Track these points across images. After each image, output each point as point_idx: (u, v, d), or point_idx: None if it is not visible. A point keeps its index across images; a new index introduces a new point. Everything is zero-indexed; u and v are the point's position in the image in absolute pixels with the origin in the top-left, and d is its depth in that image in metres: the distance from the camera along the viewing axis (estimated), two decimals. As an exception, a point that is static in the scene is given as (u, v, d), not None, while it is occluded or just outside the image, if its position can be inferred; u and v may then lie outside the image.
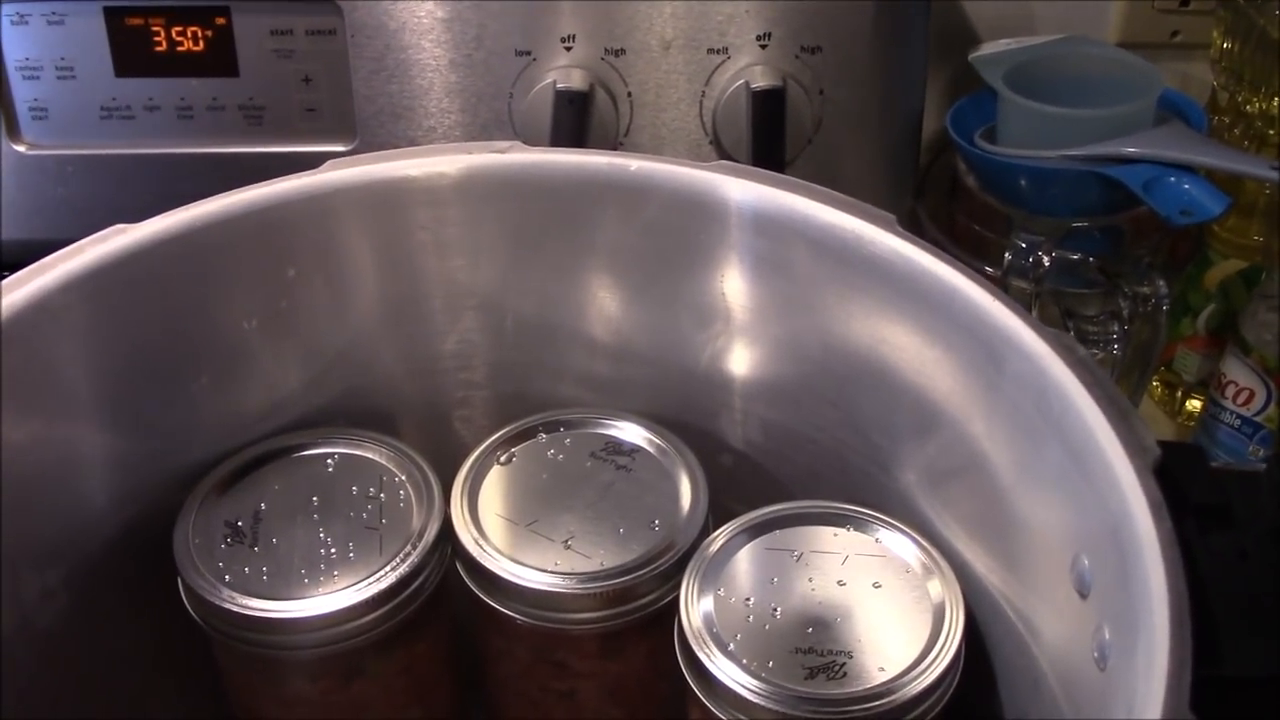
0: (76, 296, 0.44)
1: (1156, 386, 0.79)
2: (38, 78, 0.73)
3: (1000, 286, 0.69)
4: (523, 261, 0.52)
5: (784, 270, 0.49)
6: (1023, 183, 0.70)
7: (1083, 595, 0.39)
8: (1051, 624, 0.42)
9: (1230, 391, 0.71)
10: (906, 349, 0.47)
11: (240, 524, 0.50)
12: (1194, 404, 0.78)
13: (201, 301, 0.48)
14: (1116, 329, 0.70)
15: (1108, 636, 0.37)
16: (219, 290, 0.48)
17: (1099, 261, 0.70)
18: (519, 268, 0.53)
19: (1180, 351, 0.77)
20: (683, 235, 0.50)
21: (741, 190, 0.47)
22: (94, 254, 0.45)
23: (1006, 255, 0.71)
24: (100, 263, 0.45)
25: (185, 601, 0.49)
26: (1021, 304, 0.68)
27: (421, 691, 0.53)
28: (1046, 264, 0.71)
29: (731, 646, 0.45)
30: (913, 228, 0.76)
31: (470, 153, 0.49)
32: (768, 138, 0.70)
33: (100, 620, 0.50)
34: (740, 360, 0.52)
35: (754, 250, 0.49)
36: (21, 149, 0.74)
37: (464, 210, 0.50)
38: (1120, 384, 0.71)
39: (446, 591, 0.51)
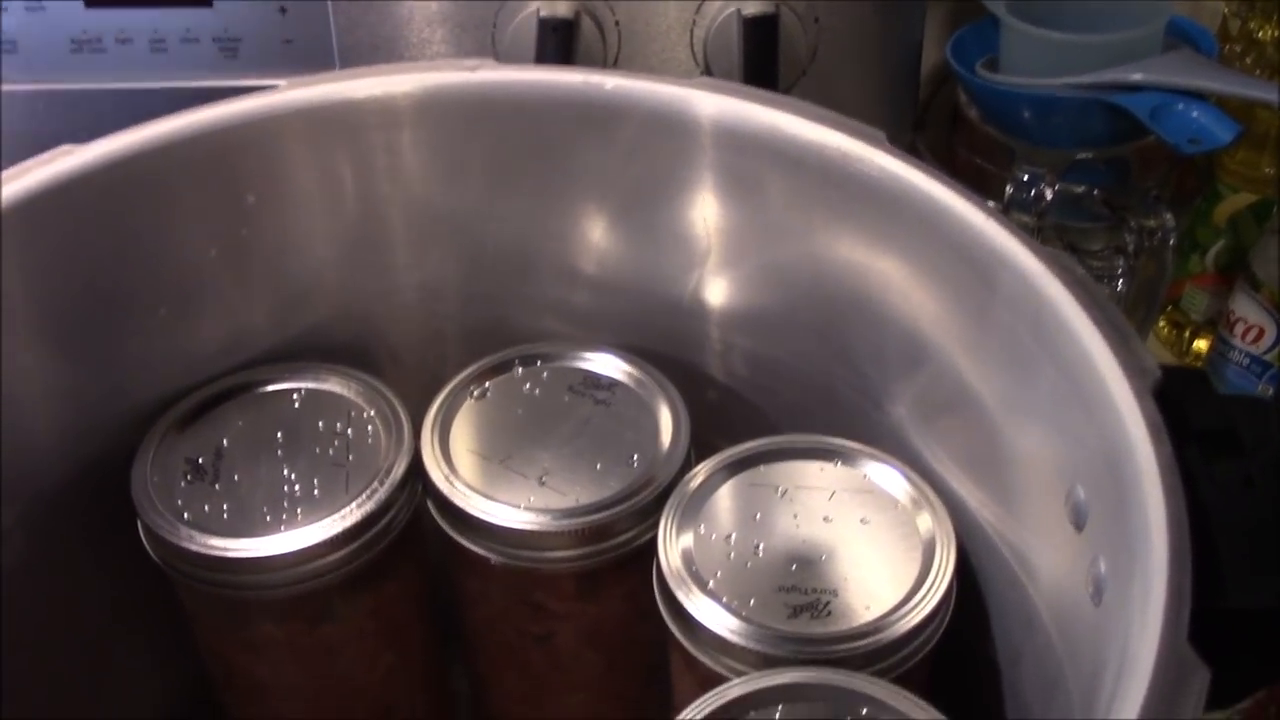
0: (19, 220, 0.42)
1: (1163, 326, 0.77)
2: (5, 10, 0.71)
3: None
4: (496, 188, 0.50)
5: (766, 193, 0.46)
6: (1025, 113, 0.68)
7: (1078, 527, 0.37)
8: (1046, 559, 0.40)
9: (1239, 329, 0.69)
10: (895, 274, 0.44)
11: (201, 461, 0.48)
12: (1201, 344, 0.75)
13: (156, 228, 0.46)
14: (1121, 264, 0.68)
15: (1103, 570, 0.34)
16: (174, 216, 0.46)
17: (1103, 194, 0.68)
18: (492, 194, 0.50)
19: (1188, 289, 0.75)
20: (662, 157, 0.47)
21: (720, 106, 0.45)
22: (38, 176, 0.43)
23: (1008, 188, 0.69)
24: (45, 185, 0.43)
25: (145, 542, 0.47)
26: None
27: (393, 636, 0.51)
28: (1049, 197, 0.68)
29: (711, 585, 0.43)
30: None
31: (438, 70, 0.46)
32: (760, 67, 0.68)
33: (60, 562, 0.49)
34: (723, 290, 0.50)
35: (734, 171, 0.46)
36: (-11, 84, 0.71)
37: (427, 133, 0.47)
38: (1125, 322, 0.69)
39: (418, 532, 0.49)
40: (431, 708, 0.56)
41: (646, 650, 0.47)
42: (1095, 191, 0.68)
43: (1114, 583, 0.34)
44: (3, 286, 0.41)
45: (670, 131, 0.46)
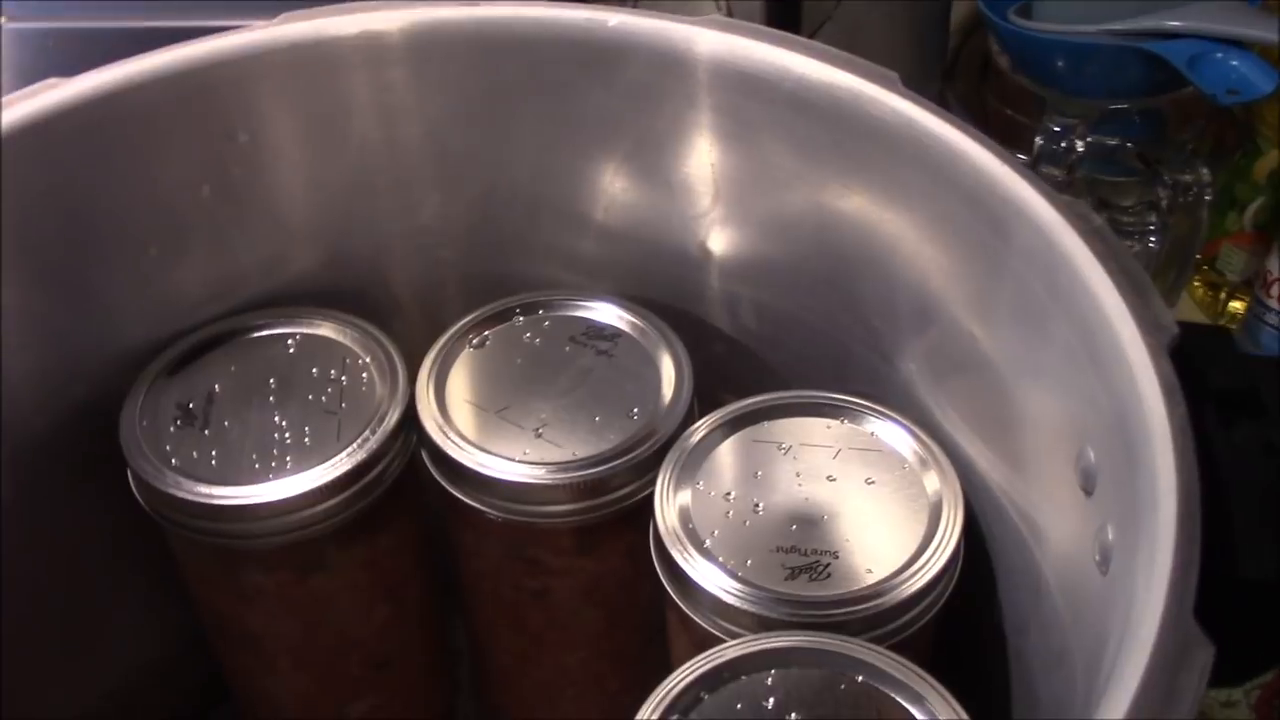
0: (2, 155, 0.41)
1: (1197, 286, 0.74)
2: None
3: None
4: (496, 130, 0.48)
5: (774, 138, 0.44)
6: (1058, 61, 0.65)
7: (1088, 492, 0.35)
8: (1055, 524, 0.38)
9: (1276, 290, 0.66)
10: (907, 224, 0.42)
11: (191, 406, 0.47)
12: (1237, 305, 0.73)
13: (144, 165, 0.44)
14: (1154, 220, 0.66)
15: (1111, 537, 0.33)
16: (163, 153, 0.44)
17: (1137, 147, 0.66)
18: (493, 137, 0.49)
19: (1224, 248, 0.72)
20: (667, 100, 0.45)
21: (727, 45, 0.43)
22: (22, 109, 0.41)
23: (1038, 140, 0.67)
24: (30, 119, 0.41)
25: (133, 488, 0.46)
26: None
27: (388, 588, 0.50)
28: (1080, 149, 0.66)
29: (708, 543, 0.41)
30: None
31: (433, 5, 0.44)
32: (782, 10, 0.66)
33: (50, 506, 0.48)
34: (730, 239, 0.48)
35: (741, 114, 0.44)
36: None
37: (422, 72, 0.46)
38: (1156, 281, 0.67)
39: (413, 483, 0.47)
40: (430, 661, 0.55)
41: (647, 609, 0.46)
42: (1129, 144, 0.65)
43: (1121, 551, 0.32)
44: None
45: (675, 72, 0.44)
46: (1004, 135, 0.69)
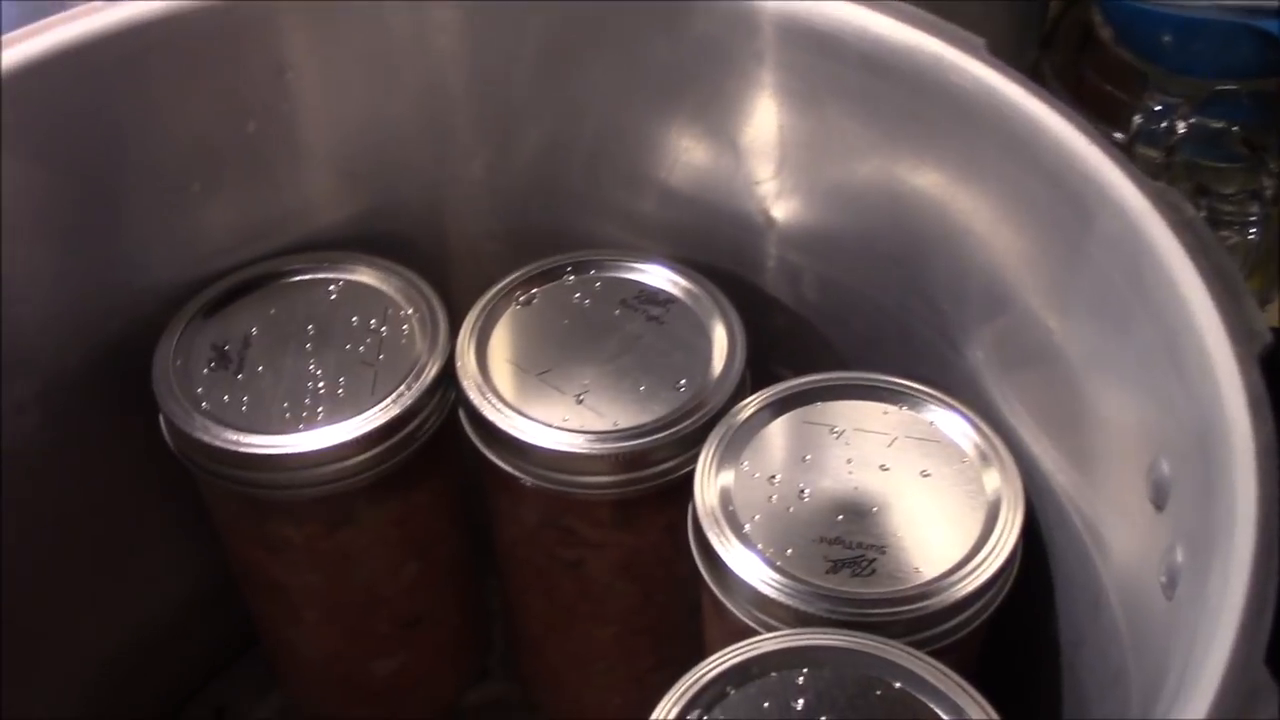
0: (39, 81, 0.39)
1: (1298, 283, 0.70)
2: None
3: (1126, 155, 0.61)
4: (559, 80, 0.46)
5: (849, 102, 0.41)
6: (1165, 35, 0.62)
7: (1158, 506, 0.32)
8: (1120, 537, 0.36)
9: (1384, 293, 0.62)
10: (983, 203, 0.39)
11: (227, 348, 0.45)
12: (1340, 306, 0.68)
13: (184, 97, 0.43)
14: (1256, 210, 0.62)
15: (1180, 559, 0.30)
16: (204, 86, 0.43)
17: (1243, 132, 0.62)
18: (555, 87, 0.46)
19: (1331, 244, 0.68)
20: (736, 57, 0.43)
21: (803, 2, 0.40)
22: (61, 33, 0.40)
23: (1136, 119, 0.63)
24: (70, 43, 0.40)
25: (163, 430, 0.44)
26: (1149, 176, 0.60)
27: (419, 546, 0.48)
28: (1182, 131, 0.62)
29: (747, 528, 0.39)
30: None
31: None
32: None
33: (82, 443, 0.47)
34: (796, 207, 0.46)
35: (815, 75, 0.42)
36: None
37: (479, 13, 0.43)
38: (1254, 277, 0.63)
39: (449, 440, 0.46)
40: (462, 621, 0.54)
41: (685, 586, 0.44)
42: (1235, 128, 0.61)
43: (1190, 577, 0.29)
44: (6, 150, 0.39)
45: (744, 26, 0.42)
46: (1101, 112, 0.66)
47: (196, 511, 0.48)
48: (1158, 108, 0.63)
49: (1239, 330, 0.30)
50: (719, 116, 0.45)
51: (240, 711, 0.57)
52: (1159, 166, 0.63)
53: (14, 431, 0.44)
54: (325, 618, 0.49)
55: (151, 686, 0.56)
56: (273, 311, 0.46)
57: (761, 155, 0.45)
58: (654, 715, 0.34)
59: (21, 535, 0.45)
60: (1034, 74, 0.71)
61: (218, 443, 0.42)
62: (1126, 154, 0.60)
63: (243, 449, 0.42)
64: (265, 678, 0.56)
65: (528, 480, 0.43)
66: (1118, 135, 0.64)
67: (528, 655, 0.54)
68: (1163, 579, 0.31)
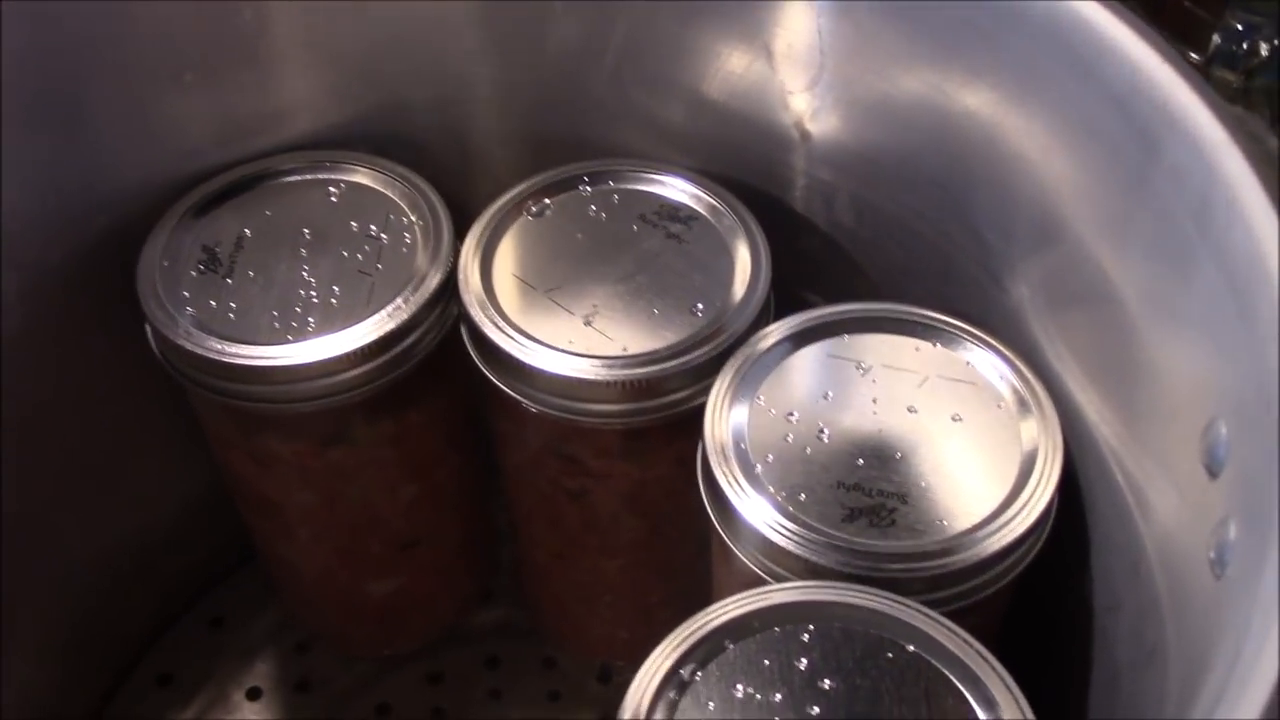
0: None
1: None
2: None
3: (1201, 76, 0.57)
4: (583, -29, 0.42)
5: (895, 9, 0.38)
6: (1250, -53, 0.56)
7: (1212, 473, 0.29)
8: (1166, 502, 0.32)
9: None
10: (1038, 125, 0.36)
11: (218, 250, 0.42)
12: None
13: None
14: (1337, 142, 0.57)
15: (1232, 536, 0.27)
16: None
17: (1330, 56, 0.57)
18: (579, -22, 0.43)
19: None
20: (776, -50, 0.39)
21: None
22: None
23: (1215, 38, 0.58)
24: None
25: (148, 334, 0.42)
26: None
27: (418, 468, 0.46)
28: (1265, 53, 0.58)
29: (759, 469, 0.36)
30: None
31: None
32: None
33: (69, 342, 0.45)
34: (834, 121, 0.42)
35: (860, -25, 0.38)
36: None
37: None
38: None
39: (450, 356, 0.43)
40: (463, 544, 0.52)
41: (696, 519, 0.41)
42: (1321, 52, 0.57)
43: (1242, 557, 0.26)
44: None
45: (784, -83, 0.38)
46: (1177, 29, 0.61)
47: (190, 420, 0.46)
48: (1239, 26, 0.58)
49: (1319, 282, 0.27)
50: (754, 19, 0.41)
51: (237, 623, 0.56)
52: (1236, 91, 0.58)
53: (-6, 328, 0.42)
54: (317, 536, 0.47)
55: (147, 597, 0.54)
56: (268, 213, 0.44)
57: (798, 63, 0.41)
58: (643, 668, 0.32)
59: (4, 439, 0.43)
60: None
61: (202, 351, 0.40)
62: (1202, 76, 0.56)
63: (227, 359, 0.40)
64: (263, 590, 0.55)
65: (530, 405, 0.41)
66: (1193, 55, 0.59)
67: (533, 582, 0.52)
68: (1211, 555, 0.28)
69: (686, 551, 0.44)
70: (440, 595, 0.52)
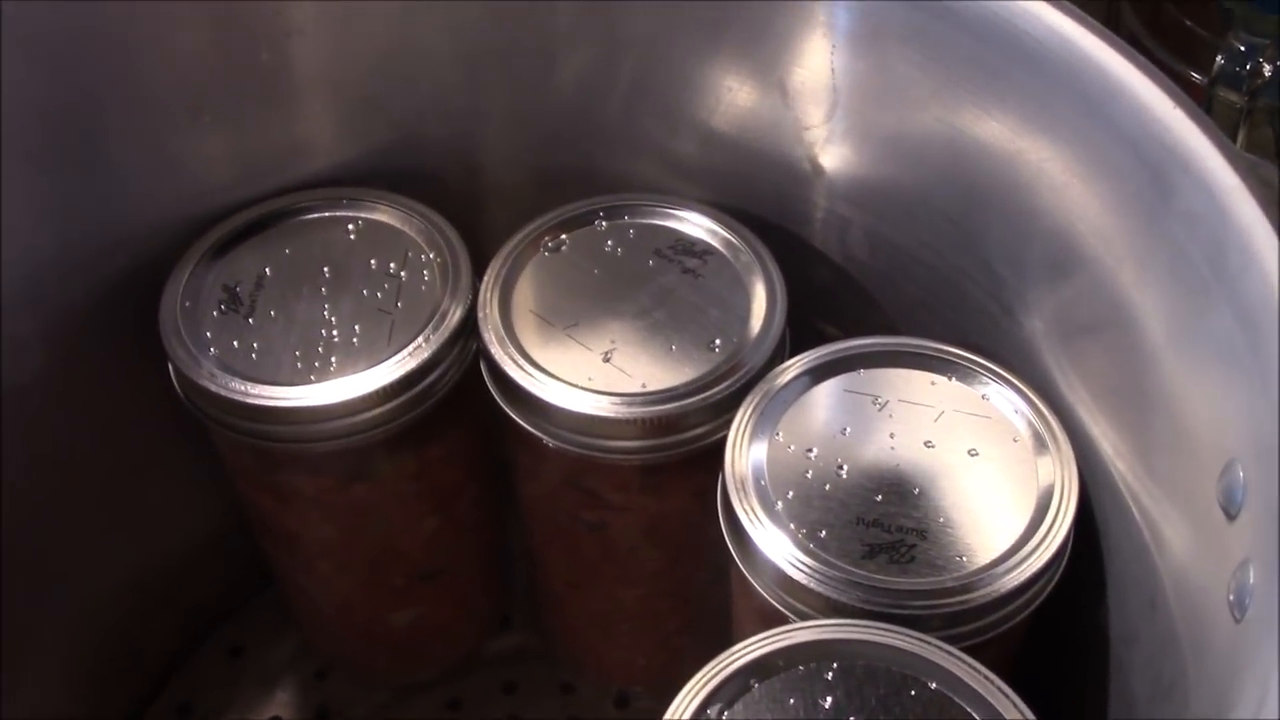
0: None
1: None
2: None
3: (1204, 97, 0.57)
4: (599, 9, 0.43)
5: (909, 46, 0.38)
6: (1253, -32, 0.57)
7: (1229, 515, 0.29)
8: (1183, 539, 0.33)
9: None
10: (1051, 162, 0.36)
11: (239, 290, 0.43)
12: None
13: (195, 18, 0.40)
14: (1343, 163, 0.57)
15: (1251, 579, 0.27)
16: (218, 7, 0.40)
17: (1334, 77, 0.57)
18: (595, 14, 0.43)
19: None
20: (789, -11, 0.39)
21: (861, -66, 0.37)
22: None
23: (1218, 59, 0.59)
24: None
25: (171, 374, 0.42)
26: (1227, 121, 0.56)
27: (438, 501, 0.46)
28: (1267, 74, 0.58)
29: (780, 506, 0.37)
30: (1111, 17, 0.64)
31: None
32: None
33: (85, 386, 0.45)
34: (848, 156, 0.42)
35: (874, 16, 0.38)
36: None
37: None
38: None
39: (470, 391, 0.43)
40: (482, 572, 0.52)
41: (714, 548, 0.42)
42: (1325, 73, 0.57)
43: (1263, 601, 0.26)
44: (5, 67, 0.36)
45: (798, -41, 0.38)
46: (1180, 50, 0.61)
47: (209, 454, 0.46)
48: (1242, 48, 0.58)
49: (1334, 328, 0.27)
50: (767, 54, 0.42)
51: (257, 652, 0.56)
52: (1238, 112, 0.59)
53: (16, 369, 0.42)
54: (339, 569, 0.47)
55: (168, 626, 0.54)
56: (287, 251, 0.44)
57: (812, 98, 0.42)
58: (670, 709, 0.32)
59: (25, 474, 0.44)
60: (1109, 4, 0.66)
61: (225, 392, 0.40)
62: (1205, 97, 0.56)
63: (251, 400, 0.40)
64: (283, 618, 0.55)
65: (549, 441, 0.41)
66: (1196, 76, 0.60)
67: (550, 610, 0.52)
68: (1230, 597, 0.28)
69: (704, 579, 0.45)
70: (459, 623, 0.53)
